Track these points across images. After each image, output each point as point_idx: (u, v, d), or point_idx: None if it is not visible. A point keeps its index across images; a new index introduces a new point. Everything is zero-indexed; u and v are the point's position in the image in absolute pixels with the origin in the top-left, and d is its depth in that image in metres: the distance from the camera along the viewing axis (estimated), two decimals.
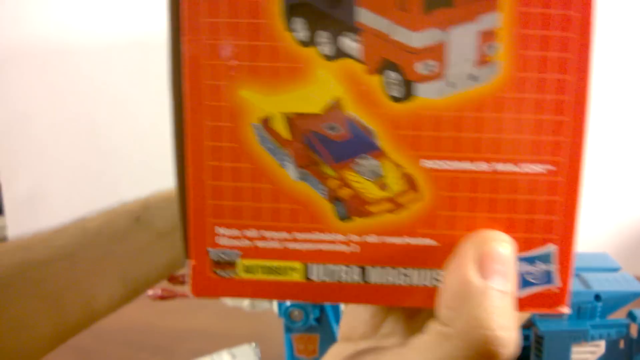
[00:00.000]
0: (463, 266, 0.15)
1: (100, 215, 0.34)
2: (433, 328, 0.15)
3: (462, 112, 0.16)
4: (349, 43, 0.16)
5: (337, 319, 0.36)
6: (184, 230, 0.17)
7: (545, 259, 0.16)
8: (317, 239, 0.17)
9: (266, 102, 0.16)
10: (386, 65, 0.16)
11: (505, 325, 0.14)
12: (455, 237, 0.16)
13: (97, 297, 0.32)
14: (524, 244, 0.16)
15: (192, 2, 0.15)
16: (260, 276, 0.17)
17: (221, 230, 0.17)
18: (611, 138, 0.61)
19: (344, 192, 0.16)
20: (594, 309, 0.31)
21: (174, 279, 0.55)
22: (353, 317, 0.21)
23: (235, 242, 0.17)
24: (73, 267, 0.30)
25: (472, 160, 0.16)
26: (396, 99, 0.16)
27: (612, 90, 0.59)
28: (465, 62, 0.15)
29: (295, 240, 0.17)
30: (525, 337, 0.32)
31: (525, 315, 0.19)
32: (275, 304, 0.38)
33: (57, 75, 0.72)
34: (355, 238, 0.17)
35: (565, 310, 0.16)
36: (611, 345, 0.31)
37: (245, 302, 0.41)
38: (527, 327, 0.32)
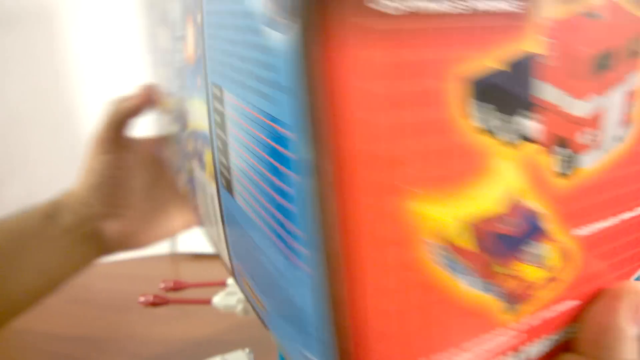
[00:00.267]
0: (615, 315, 0.16)
1: (15, 214, 0.38)
2: None
3: (611, 174, 0.15)
4: (526, 122, 0.14)
5: None
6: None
7: None
8: (486, 339, 0.15)
9: (443, 211, 0.13)
10: (557, 141, 0.14)
11: None
12: (594, 290, 0.16)
13: (16, 291, 0.36)
14: None
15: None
16: None
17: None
18: None
19: (511, 284, 0.15)
20: None
21: (167, 287, 0.54)
22: None
23: None
24: None
25: (616, 214, 0.16)
26: (563, 175, 0.15)
27: None
28: (614, 125, 0.15)
29: (463, 349, 0.14)
30: None
31: None
32: None
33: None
34: (520, 325, 0.15)
35: None
36: None
37: (239, 308, 0.41)
38: None
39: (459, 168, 0.13)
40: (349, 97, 0.11)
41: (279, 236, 0.14)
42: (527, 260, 0.15)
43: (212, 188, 0.23)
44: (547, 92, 0.14)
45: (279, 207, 0.14)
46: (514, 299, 0.15)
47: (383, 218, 0.12)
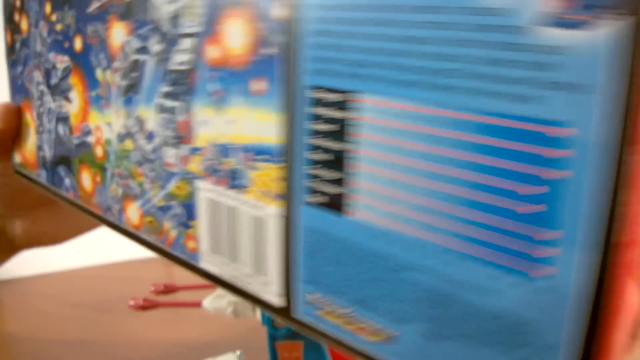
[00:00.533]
0: None
1: None
2: None
3: None
4: None
5: None
6: None
7: None
8: None
9: None
10: None
11: None
12: None
13: None
14: None
15: None
16: None
17: None
18: None
19: None
20: None
21: (157, 290, 0.54)
22: None
23: None
24: None
25: None
26: None
27: None
28: None
29: None
30: None
31: None
32: (258, 312, 0.38)
33: None
34: None
35: None
36: None
37: (229, 310, 0.41)
38: None
39: None
40: None
41: (502, 248, 0.14)
42: None
43: (265, 210, 0.20)
44: None
45: (516, 216, 0.14)
46: None
47: None
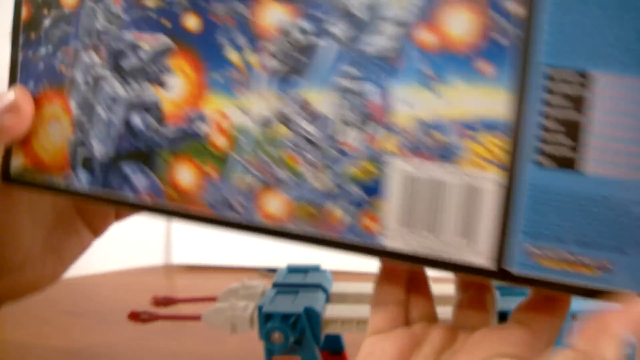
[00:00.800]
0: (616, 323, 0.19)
1: None
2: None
3: None
4: None
5: (317, 340, 0.36)
6: None
7: None
8: None
9: None
10: None
11: None
12: None
13: None
14: None
15: None
16: None
17: None
18: None
19: None
20: None
21: (157, 302, 0.55)
22: (381, 309, 0.25)
23: None
24: None
25: None
26: None
27: None
28: None
29: None
30: None
31: None
32: (256, 327, 0.38)
33: None
34: None
35: None
36: None
37: (228, 324, 0.41)
38: None
39: None
40: None
41: None
42: None
43: (481, 177, 0.23)
44: None
45: None
46: None
47: None
